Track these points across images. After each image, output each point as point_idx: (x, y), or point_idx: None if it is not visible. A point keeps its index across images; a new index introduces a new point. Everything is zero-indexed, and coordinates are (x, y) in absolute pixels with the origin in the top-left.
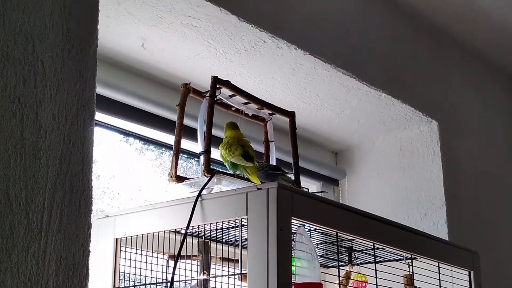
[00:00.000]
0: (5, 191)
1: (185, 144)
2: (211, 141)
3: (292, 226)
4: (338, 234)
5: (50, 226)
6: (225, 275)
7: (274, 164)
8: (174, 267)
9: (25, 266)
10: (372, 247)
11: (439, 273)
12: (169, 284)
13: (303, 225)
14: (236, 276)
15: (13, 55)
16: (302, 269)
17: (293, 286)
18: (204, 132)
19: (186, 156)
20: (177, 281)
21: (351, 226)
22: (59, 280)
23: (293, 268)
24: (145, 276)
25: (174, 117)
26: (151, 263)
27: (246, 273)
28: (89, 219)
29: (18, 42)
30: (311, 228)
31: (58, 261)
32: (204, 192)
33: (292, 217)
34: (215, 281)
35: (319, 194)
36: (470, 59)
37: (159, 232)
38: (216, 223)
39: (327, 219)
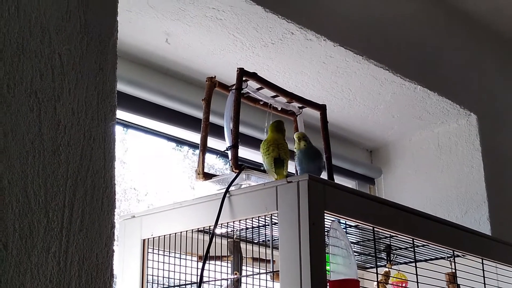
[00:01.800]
0: (23, 189)
1: (213, 143)
2: (238, 135)
3: (326, 220)
4: (375, 229)
5: (72, 225)
6: (256, 274)
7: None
8: (203, 267)
9: (46, 267)
10: (412, 244)
11: (483, 270)
12: (197, 285)
13: (338, 220)
14: (268, 275)
15: (28, 48)
16: (337, 265)
17: (328, 284)
18: (231, 127)
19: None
20: (206, 281)
21: (389, 221)
22: (82, 282)
23: (327, 265)
24: (174, 279)
25: (200, 114)
26: (180, 265)
27: (278, 271)
28: (112, 217)
29: (33, 34)
30: (347, 225)
31: (80, 262)
32: (232, 188)
33: (325, 211)
34: (246, 283)
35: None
36: (507, 49)
37: (187, 231)
38: (246, 219)
39: (362, 213)
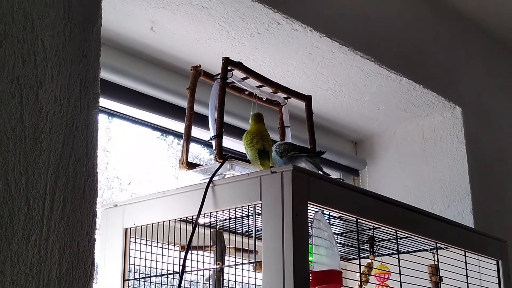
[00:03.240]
0: (4, 176)
1: (198, 132)
2: (223, 125)
3: (309, 211)
4: (359, 221)
5: (53, 213)
6: (239, 264)
7: None
8: (185, 257)
9: (26, 255)
10: (395, 236)
11: (465, 263)
12: (180, 275)
13: (321, 211)
14: (251, 266)
15: (11, 33)
16: (320, 256)
17: (311, 275)
18: (216, 116)
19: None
20: (188, 271)
21: (372, 213)
22: (63, 270)
23: (310, 256)
24: (156, 268)
25: (185, 104)
26: (162, 254)
27: (261, 261)
28: (94, 206)
29: (16, 20)
30: (330, 216)
31: (61, 250)
32: (216, 178)
33: (309, 202)
34: (229, 273)
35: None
36: (494, 44)
37: (169, 221)
38: (229, 209)
39: (346, 204)
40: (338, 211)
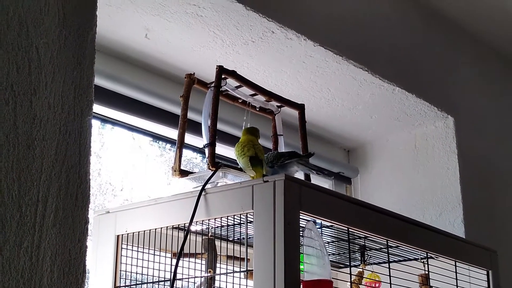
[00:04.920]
0: None
1: (191, 139)
2: (216, 133)
3: (301, 221)
4: (350, 230)
5: (45, 220)
6: (230, 273)
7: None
8: (176, 264)
9: (18, 262)
10: (386, 245)
11: (456, 273)
12: (171, 282)
13: (313, 220)
14: (242, 274)
15: (5, 41)
16: (311, 266)
17: (301, 284)
18: (209, 124)
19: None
20: (179, 279)
21: (363, 222)
22: (54, 277)
23: (301, 265)
24: (147, 275)
25: (179, 111)
26: (153, 261)
27: (252, 270)
28: (86, 213)
29: (11, 27)
30: (322, 225)
31: (53, 257)
32: (208, 186)
33: (301, 211)
34: (220, 280)
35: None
36: (486, 53)
37: (161, 228)
38: (221, 218)
39: (338, 214)
40: (329, 221)
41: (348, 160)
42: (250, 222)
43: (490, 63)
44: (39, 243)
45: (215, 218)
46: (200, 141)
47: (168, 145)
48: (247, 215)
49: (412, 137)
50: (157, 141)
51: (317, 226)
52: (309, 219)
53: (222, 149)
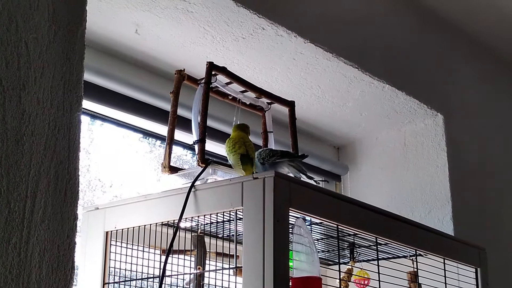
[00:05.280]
0: None
1: (181, 135)
2: (206, 129)
3: (290, 218)
4: (339, 227)
5: (33, 216)
6: (219, 269)
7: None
8: (166, 261)
9: (6, 258)
10: (375, 242)
11: (444, 270)
12: (160, 279)
13: (303, 217)
14: (231, 271)
15: None
16: (301, 263)
17: (291, 281)
18: (199, 121)
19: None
20: (168, 276)
21: (353, 219)
22: (43, 273)
23: (291, 262)
24: (136, 271)
25: (168, 107)
26: (142, 258)
27: (241, 267)
28: (75, 209)
29: (0, 22)
30: (312, 222)
31: (41, 253)
32: (198, 182)
33: (290, 208)
34: (209, 277)
35: (320, 183)
36: (477, 51)
37: (151, 224)
38: (211, 215)
39: (327, 211)
40: (319, 218)
41: (338, 158)
42: (240, 219)
43: (481, 61)
44: (28, 239)
45: (204, 215)
46: (190, 138)
47: (158, 142)
48: (236, 211)
49: (401, 134)
50: (147, 137)
51: (307, 223)
52: (299, 216)
53: (212, 146)
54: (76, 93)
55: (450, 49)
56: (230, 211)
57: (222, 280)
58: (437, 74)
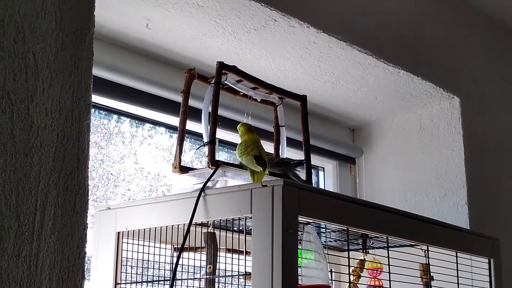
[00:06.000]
0: None
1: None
2: (216, 131)
3: (299, 222)
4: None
5: (43, 228)
6: (229, 276)
7: (284, 152)
8: (177, 262)
9: (16, 271)
10: (386, 240)
11: (456, 263)
12: (170, 282)
13: (312, 222)
14: (241, 276)
15: (2, 48)
16: (309, 270)
17: None
18: (209, 123)
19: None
20: (179, 279)
21: (363, 220)
22: (53, 285)
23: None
24: (147, 268)
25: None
26: (154, 254)
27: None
28: (85, 219)
29: (7, 33)
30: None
31: (51, 265)
32: (209, 184)
33: (300, 216)
34: (219, 281)
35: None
36: (493, 31)
37: (161, 227)
38: (220, 220)
39: (336, 215)
40: (328, 223)
41: (353, 140)
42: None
43: (498, 41)
44: (38, 252)
45: (214, 220)
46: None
47: (168, 134)
48: (246, 218)
49: (417, 117)
50: (158, 130)
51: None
52: (308, 221)
53: (224, 134)
54: (85, 101)
55: (464, 30)
56: (239, 217)
57: (232, 283)
58: (453, 57)
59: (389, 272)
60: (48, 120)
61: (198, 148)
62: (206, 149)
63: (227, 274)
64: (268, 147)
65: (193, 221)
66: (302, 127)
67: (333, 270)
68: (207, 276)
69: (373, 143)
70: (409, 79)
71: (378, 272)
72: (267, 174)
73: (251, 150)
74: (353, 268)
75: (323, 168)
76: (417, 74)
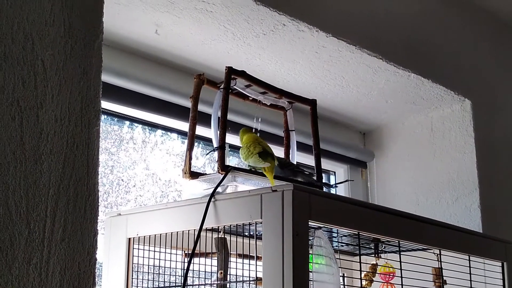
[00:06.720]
0: (4, 201)
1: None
2: (225, 136)
3: (310, 227)
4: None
5: (53, 235)
6: (240, 281)
7: (294, 157)
8: (187, 270)
9: (27, 279)
10: (398, 244)
11: (469, 267)
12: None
13: (322, 227)
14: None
15: (11, 55)
16: (320, 275)
17: None
18: (219, 128)
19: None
20: (190, 285)
21: (374, 225)
22: None
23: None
24: (158, 274)
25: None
26: (165, 260)
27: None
28: (95, 225)
29: (16, 40)
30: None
31: (62, 272)
32: (219, 189)
33: (310, 220)
34: (230, 287)
35: (343, 182)
36: (504, 32)
37: (172, 233)
38: (230, 225)
39: (347, 219)
40: (339, 227)
41: (364, 143)
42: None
43: (509, 44)
44: (48, 259)
45: (224, 226)
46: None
47: (180, 140)
48: (256, 223)
49: (428, 120)
50: (169, 137)
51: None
52: (319, 225)
53: (233, 139)
54: (94, 108)
55: (475, 32)
56: (249, 223)
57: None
58: (463, 59)
59: (401, 277)
60: (57, 126)
61: (207, 154)
62: (216, 154)
63: (238, 279)
64: (278, 151)
65: (204, 227)
66: (312, 132)
67: (345, 275)
68: (218, 282)
69: (384, 146)
70: (420, 82)
71: (391, 276)
72: (277, 165)
73: (253, 149)
74: (365, 272)
75: (334, 172)
76: (428, 77)
